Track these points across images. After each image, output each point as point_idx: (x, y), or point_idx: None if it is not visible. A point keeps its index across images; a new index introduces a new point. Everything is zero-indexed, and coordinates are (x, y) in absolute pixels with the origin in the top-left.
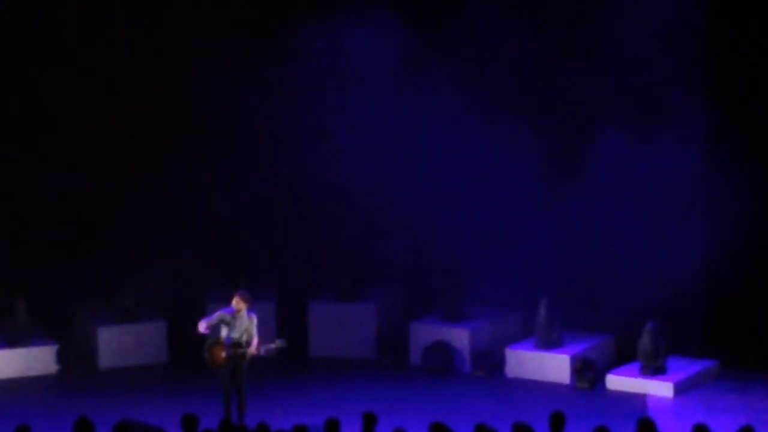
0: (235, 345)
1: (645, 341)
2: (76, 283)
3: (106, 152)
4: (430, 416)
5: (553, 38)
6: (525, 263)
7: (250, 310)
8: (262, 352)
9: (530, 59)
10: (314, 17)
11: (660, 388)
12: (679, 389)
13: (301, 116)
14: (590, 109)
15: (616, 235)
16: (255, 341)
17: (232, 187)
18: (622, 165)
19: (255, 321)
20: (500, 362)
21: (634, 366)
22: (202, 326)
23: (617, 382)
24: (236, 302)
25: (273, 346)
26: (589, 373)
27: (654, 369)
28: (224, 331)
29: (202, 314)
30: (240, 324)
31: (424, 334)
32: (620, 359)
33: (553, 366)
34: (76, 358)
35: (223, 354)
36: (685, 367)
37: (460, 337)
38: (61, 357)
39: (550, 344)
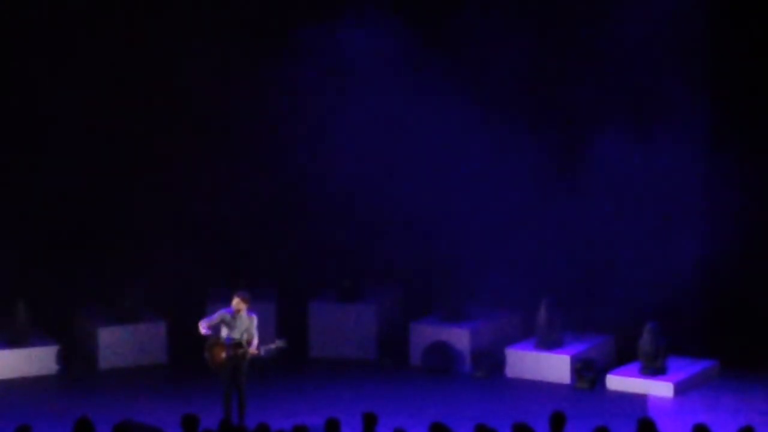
0: (236, 345)
1: (645, 341)
2: (76, 283)
3: (106, 152)
4: (430, 416)
5: (553, 38)
6: (525, 263)
7: (250, 310)
8: (262, 352)
9: (530, 59)
10: (314, 17)
11: (660, 388)
12: (679, 389)
13: (301, 116)
14: (590, 109)
15: (616, 235)
16: (255, 341)
17: (232, 187)
18: (622, 165)
19: (255, 321)
20: (500, 362)
21: (634, 366)
22: (203, 327)
23: (617, 382)
24: (236, 302)
25: (273, 346)
26: (589, 373)
27: (654, 369)
28: (224, 332)
29: (202, 314)
30: (240, 324)
31: (424, 334)
32: (620, 359)
33: (553, 366)
34: (76, 358)
35: (224, 354)
36: (685, 367)
37: (460, 337)
38: (61, 357)
39: (550, 344)
